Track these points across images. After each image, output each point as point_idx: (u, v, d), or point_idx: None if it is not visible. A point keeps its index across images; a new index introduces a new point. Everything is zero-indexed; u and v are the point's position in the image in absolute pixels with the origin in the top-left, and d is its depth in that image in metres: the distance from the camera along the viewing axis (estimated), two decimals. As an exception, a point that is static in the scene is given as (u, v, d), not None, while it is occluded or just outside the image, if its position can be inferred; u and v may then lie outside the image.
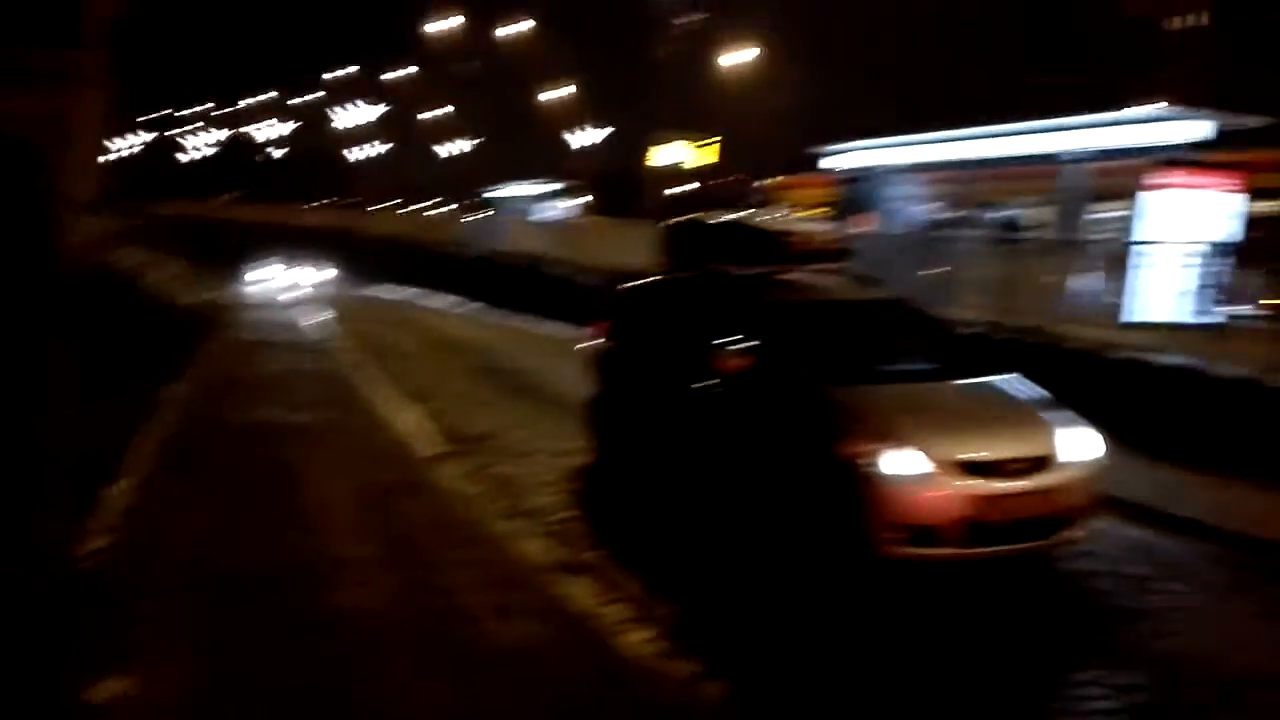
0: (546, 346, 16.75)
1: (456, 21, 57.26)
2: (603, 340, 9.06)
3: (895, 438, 6.13)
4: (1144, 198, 12.02)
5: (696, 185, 40.78)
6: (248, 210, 53.95)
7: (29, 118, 10.64)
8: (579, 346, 9.93)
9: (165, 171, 70.60)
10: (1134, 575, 6.54)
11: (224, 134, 79.77)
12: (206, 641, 4.87)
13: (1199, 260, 10.55)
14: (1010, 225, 15.55)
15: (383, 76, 64.37)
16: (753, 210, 16.33)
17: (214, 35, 66.52)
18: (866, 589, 6.14)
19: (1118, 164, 13.16)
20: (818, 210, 18.76)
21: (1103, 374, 9.69)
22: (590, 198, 35.11)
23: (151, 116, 72.93)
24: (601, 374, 8.98)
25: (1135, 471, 8.08)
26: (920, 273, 12.13)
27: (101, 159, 20.58)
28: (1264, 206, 13.04)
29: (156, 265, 24.11)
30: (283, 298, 29.33)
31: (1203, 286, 10.47)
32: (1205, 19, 26.20)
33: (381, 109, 64.47)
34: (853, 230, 13.41)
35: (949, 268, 12.19)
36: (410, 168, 58.93)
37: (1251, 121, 14.09)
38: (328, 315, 22.35)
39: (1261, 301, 10.34)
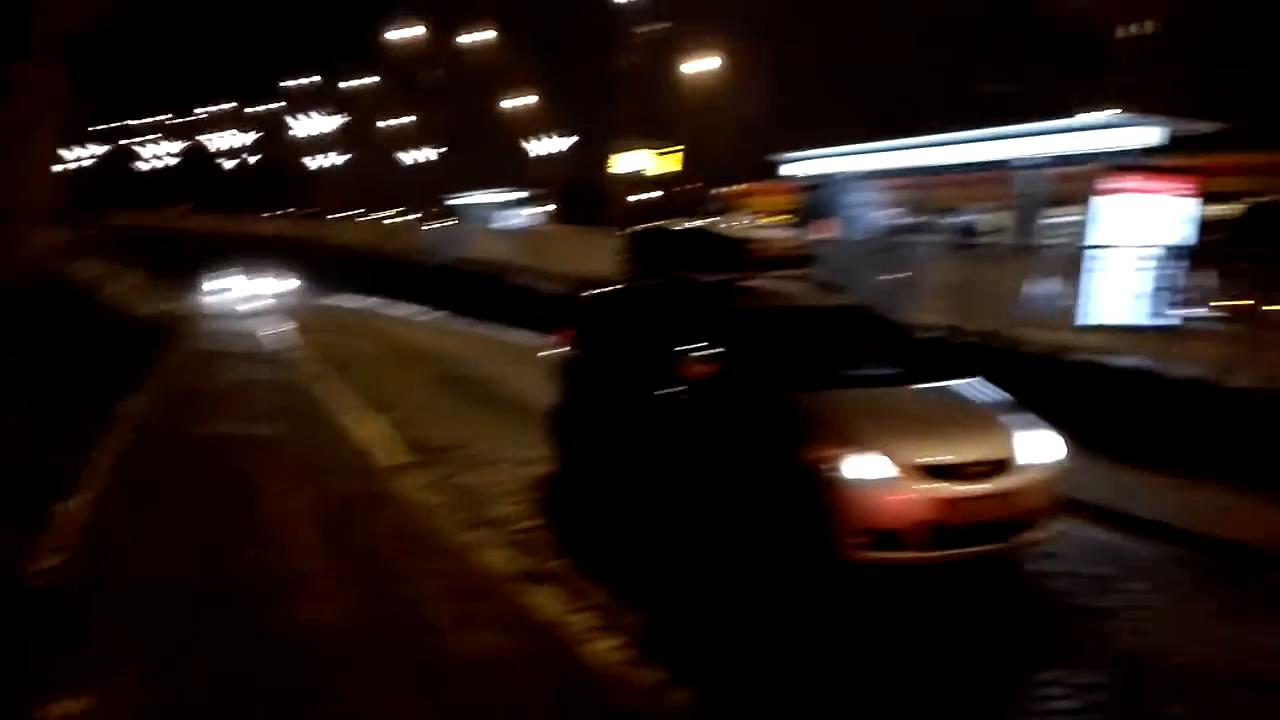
0: (510, 354, 16.69)
1: (418, 30, 57.00)
2: (567, 348, 9.05)
3: (858, 442, 6.17)
4: (1098, 202, 12.21)
5: (660, 193, 40.84)
6: (205, 220, 53.34)
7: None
8: (543, 354, 9.90)
9: (122, 182, 69.80)
10: (1095, 576, 6.62)
11: (181, 144, 78.82)
12: (163, 660, 4.78)
13: (1153, 263, 10.72)
14: (968, 230, 15.78)
15: (343, 85, 63.91)
16: (715, 218, 16.41)
17: (171, 44, 65.70)
18: (831, 594, 6.17)
19: (1072, 169, 13.38)
20: (780, 217, 18.92)
21: (1061, 376, 9.82)
22: (554, 206, 35.04)
23: (107, 126, 72.03)
24: (566, 381, 8.96)
25: (1096, 474, 8.18)
26: (881, 278, 12.24)
27: (57, 169, 20.29)
28: (1216, 210, 13.29)
29: (114, 276, 23.80)
30: (242, 308, 29.02)
31: (1157, 289, 10.64)
32: (1158, 26, 26.70)
33: (342, 119, 63.98)
34: (814, 236, 13.50)
35: (909, 273, 12.30)
36: (372, 176, 58.51)
37: (1204, 127, 14.39)
38: (288, 325, 22.13)
39: (1214, 304, 10.52)
